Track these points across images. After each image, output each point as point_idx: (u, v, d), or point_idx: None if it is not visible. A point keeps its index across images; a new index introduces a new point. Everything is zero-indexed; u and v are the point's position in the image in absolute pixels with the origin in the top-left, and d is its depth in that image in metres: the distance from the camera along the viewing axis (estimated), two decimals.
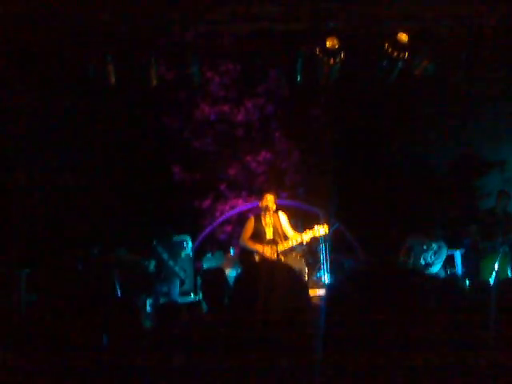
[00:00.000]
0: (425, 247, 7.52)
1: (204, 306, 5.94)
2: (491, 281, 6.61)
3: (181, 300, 7.89)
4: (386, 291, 1.67)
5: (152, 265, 7.62)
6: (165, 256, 7.53)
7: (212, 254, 8.78)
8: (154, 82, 8.26)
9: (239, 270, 7.66)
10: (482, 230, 7.32)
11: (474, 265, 7.38)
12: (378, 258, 8.27)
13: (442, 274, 7.59)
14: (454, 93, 8.56)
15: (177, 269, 7.60)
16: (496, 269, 6.78)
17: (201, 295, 6.83)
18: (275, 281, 2.07)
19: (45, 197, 8.88)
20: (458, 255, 8.11)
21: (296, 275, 2.18)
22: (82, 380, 2.11)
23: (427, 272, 7.34)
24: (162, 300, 7.42)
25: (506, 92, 8.72)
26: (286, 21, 6.85)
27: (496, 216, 7.38)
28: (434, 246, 7.54)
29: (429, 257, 7.53)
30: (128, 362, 2.28)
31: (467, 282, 6.45)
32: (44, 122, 8.86)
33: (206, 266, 8.42)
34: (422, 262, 7.48)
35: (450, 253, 7.94)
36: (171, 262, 7.56)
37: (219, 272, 4.62)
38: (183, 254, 7.97)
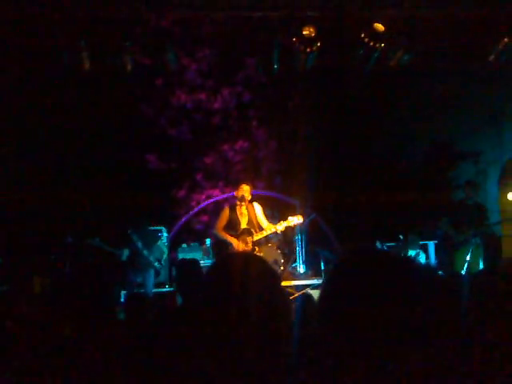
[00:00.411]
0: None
1: (178, 298, 5.92)
2: (463, 272, 6.66)
3: (156, 291, 7.87)
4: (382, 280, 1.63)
5: (125, 254, 7.54)
6: (139, 245, 7.46)
7: (187, 245, 8.75)
8: (129, 68, 8.19)
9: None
10: (453, 221, 7.31)
11: (447, 256, 7.40)
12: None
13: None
14: (430, 83, 8.59)
15: (151, 258, 7.54)
16: (468, 260, 6.83)
17: (175, 286, 6.80)
18: (248, 273, 2.02)
19: (17, 186, 8.75)
20: (431, 246, 8.19)
21: (269, 268, 2.15)
22: (53, 371, 2.07)
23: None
24: (136, 291, 7.37)
25: (482, 83, 8.79)
26: (263, 8, 6.81)
27: (467, 207, 7.37)
28: (412, 252, 7.61)
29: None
30: (101, 353, 2.24)
31: (440, 273, 6.51)
32: (17, 107, 8.72)
33: (181, 256, 8.38)
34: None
35: (423, 243, 8.03)
36: (145, 252, 7.49)
37: (194, 263, 4.57)
38: (158, 244, 7.92)
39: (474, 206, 7.36)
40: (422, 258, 7.74)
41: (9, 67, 8.05)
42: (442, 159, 9.84)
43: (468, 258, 6.88)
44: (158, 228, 8.41)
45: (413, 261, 6.27)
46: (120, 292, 7.52)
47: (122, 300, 7.43)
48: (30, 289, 7.34)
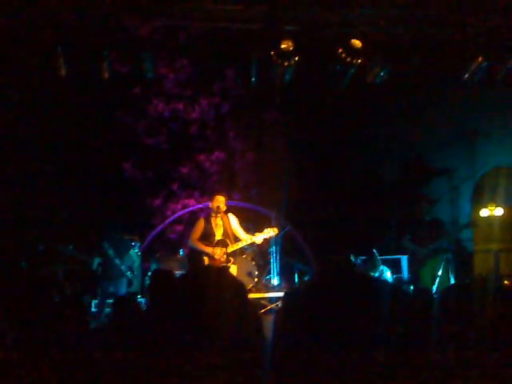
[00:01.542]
0: (377, 273, 7.63)
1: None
2: (434, 287, 6.73)
3: None
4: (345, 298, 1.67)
5: (96, 262, 7.45)
6: (111, 253, 7.35)
7: (161, 255, 8.70)
8: (106, 76, 8.14)
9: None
10: (414, 238, 7.43)
11: (414, 272, 7.49)
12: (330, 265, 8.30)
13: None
14: (405, 99, 8.71)
15: (123, 268, 7.45)
16: (439, 275, 6.90)
17: (148, 297, 6.74)
18: (216, 285, 2.05)
19: None
20: (404, 260, 8.25)
21: (239, 284, 2.17)
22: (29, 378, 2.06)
23: None
24: (108, 301, 7.26)
25: (456, 101, 8.92)
26: (241, 21, 6.83)
27: (425, 223, 7.48)
28: (384, 268, 7.67)
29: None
30: (74, 360, 2.23)
31: (411, 287, 6.57)
32: None
33: (154, 267, 8.33)
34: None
35: (395, 257, 8.08)
36: (117, 260, 7.39)
37: (168, 274, 4.54)
38: (131, 254, 7.84)
39: (432, 222, 7.48)
40: (386, 275, 7.78)
41: None
42: (415, 175, 9.95)
43: (439, 273, 6.96)
44: (131, 237, 8.35)
45: (373, 279, 6.34)
46: (91, 301, 7.45)
47: (93, 309, 7.37)
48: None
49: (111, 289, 7.46)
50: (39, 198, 8.75)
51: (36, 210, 8.69)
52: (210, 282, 2.14)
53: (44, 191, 8.84)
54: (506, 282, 7.12)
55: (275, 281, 8.39)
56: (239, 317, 2.09)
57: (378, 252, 7.92)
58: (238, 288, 2.06)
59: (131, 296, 7.19)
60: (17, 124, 8.71)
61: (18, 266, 7.79)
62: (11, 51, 7.21)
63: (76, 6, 7.15)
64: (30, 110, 8.70)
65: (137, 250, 8.26)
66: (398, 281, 7.87)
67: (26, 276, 7.67)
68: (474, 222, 8.21)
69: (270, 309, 7.14)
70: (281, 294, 7.75)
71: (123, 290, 7.52)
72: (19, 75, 8.02)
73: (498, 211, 8.80)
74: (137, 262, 7.82)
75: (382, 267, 7.84)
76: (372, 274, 7.62)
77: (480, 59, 6.55)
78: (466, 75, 6.74)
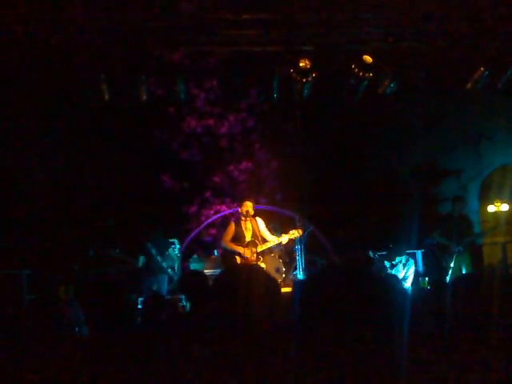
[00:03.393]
0: (393, 262, 7.50)
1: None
2: (447, 278, 6.64)
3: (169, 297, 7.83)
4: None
5: (141, 261, 7.52)
6: (153, 251, 7.43)
7: (198, 256, 8.74)
8: (144, 98, 8.25)
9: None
10: (442, 232, 7.32)
11: (434, 264, 7.38)
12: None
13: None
14: (416, 108, 8.64)
15: (164, 265, 7.51)
16: (452, 267, 6.81)
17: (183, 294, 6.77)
18: (252, 282, 2.06)
19: (46, 205, 8.81)
20: (418, 254, 8.14)
21: (270, 278, 2.18)
22: (79, 371, 2.06)
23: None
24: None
25: (462, 108, 8.83)
26: (263, 44, 6.87)
27: (454, 219, 7.38)
28: (403, 258, 7.54)
29: (400, 272, 7.48)
30: (122, 355, 2.23)
31: (426, 279, 6.49)
32: (47, 136, 8.81)
33: (192, 266, 8.37)
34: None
35: (411, 252, 7.97)
36: (159, 258, 7.46)
37: (199, 274, 4.56)
38: (171, 254, 7.90)
39: (461, 218, 7.39)
40: (411, 264, 7.65)
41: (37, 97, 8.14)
42: (427, 177, 9.85)
43: (452, 264, 6.88)
44: (172, 240, 8.41)
45: (372, 275, 6.17)
46: (137, 299, 7.50)
47: (139, 306, 7.42)
48: (56, 297, 7.34)
49: (154, 286, 7.51)
50: (91, 208, 8.89)
51: (87, 220, 8.82)
52: (245, 278, 2.14)
53: (95, 202, 8.98)
54: None
55: (301, 276, 8.36)
56: (273, 307, 2.08)
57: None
58: (270, 281, 2.06)
59: (169, 294, 7.25)
60: (75, 143, 8.90)
61: (72, 270, 7.93)
62: (64, 79, 7.37)
63: (117, 38, 7.28)
64: (82, 131, 8.87)
65: (176, 252, 8.31)
66: (415, 273, 7.73)
67: (80, 278, 7.81)
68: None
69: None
70: None
71: (165, 286, 7.56)
72: (71, 100, 8.17)
73: (504, 207, 8.65)
74: (177, 262, 7.87)
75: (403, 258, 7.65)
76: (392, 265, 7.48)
77: (481, 69, 6.48)
78: (469, 84, 6.68)
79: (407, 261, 7.51)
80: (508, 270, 7.54)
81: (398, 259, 7.49)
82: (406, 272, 7.46)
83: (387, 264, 7.56)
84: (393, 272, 7.37)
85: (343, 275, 1.76)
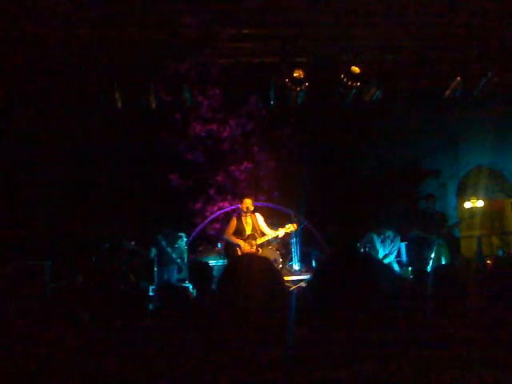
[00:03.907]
0: (382, 237, 7.51)
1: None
2: (428, 268, 6.69)
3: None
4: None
5: (153, 252, 7.57)
6: (163, 243, 7.49)
7: (203, 248, 8.78)
8: (154, 105, 8.27)
9: (225, 261, 7.68)
10: (421, 227, 7.36)
11: (417, 255, 7.41)
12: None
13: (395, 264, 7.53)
14: (399, 113, 8.67)
15: (174, 255, 7.57)
16: (432, 258, 6.86)
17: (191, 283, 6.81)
18: (254, 269, 2.10)
19: (66, 202, 8.84)
20: (402, 247, 8.18)
21: (271, 264, 2.23)
22: (98, 355, 2.08)
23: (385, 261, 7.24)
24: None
25: (441, 114, 8.86)
26: (261, 56, 6.90)
27: (430, 215, 7.42)
28: (390, 233, 7.51)
29: (386, 246, 7.48)
30: (135, 340, 2.26)
31: (409, 268, 6.53)
32: (65, 138, 8.83)
33: (198, 258, 8.41)
34: (381, 253, 7.46)
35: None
36: (169, 249, 7.52)
37: (204, 265, 4.61)
38: (180, 246, 7.95)
39: (436, 214, 7.44)
40: (398, 240, 7.58)
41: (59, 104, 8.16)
42: (410, 176, 9.89)
43: (432, 255, 6.93)
44: (180, 234, 8.45)
45: (374, 258, 6.17)
46: (149, 287, 7.55)
47: (151, 293, 7.46)
48: (73, 286, 7.37)
49: (165, 275, 7.57)
50: (106, 206, 8.92)
51: (102, 216, 8.85)
52: (248, 263, 2.18)
53: (109, 201, 9.00)
54: (488, 261, 7.04)
55: (296, 266, 8.40)
56: (275, 284, 2.12)
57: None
58: (268, 263, 2.10)
59: (178, 283, 7.30)
60: (88, 146, 8.93)
61: (89, 260, 7.95)
62: (79, 89, 7.39)
63: (128, 49, 7.31)
64: (96, 135, 8.90)
65: (184, 244, 8.36)
66: (399, 263, 7.76)
67: (98, 270, 7.84)
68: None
69: (293, 290, 7.14)
70: (301, 277, 7.77)
71: (174, 276, 7.62)
72: (89, 108, 8.19)
73: (479, 203, 8.70)
74: (185, 253, 7.92)
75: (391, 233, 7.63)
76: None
77: (458, 79, 6.53)
78: (447, 92, 6.72)
79: (394, 237, 7.50)
80: (483, 260, 7.59)
81: (387, 233, 7.47)
82: (392, 247, 7.49)
83: (376, 239, 7.55)
84: (380, 250, 7.37)
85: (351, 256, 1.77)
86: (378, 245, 7.46)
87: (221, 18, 6.33)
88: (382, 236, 7.48)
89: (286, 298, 2.12)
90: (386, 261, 7.26)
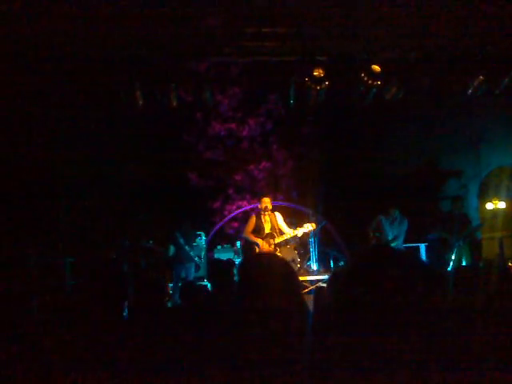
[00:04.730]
0: (390, 219, 7.39)
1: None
2: (449, 269, 6.58)
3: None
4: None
5: (171, 250, 7.58)
6: (181, 241, 7.49)
7: (222, 246, 8.79)
8: (174, 104, 8.29)
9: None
10: (444, 228, 7.26)
11: (438, 256, 7.31)
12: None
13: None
14: (420, 113, 8.54)
15: (192, 253, 7.56)
16: (453, 259, 6.75)
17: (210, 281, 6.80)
18: (271, 269, 2.05)
19: (87, 200, 8.92)
20: (422, 248, 8.06)
21: (288, 265, 2.18)
22: (111, 350, 2.08)
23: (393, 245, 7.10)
24: (180, 284, 7.36)
25: (463, 113, 8.70)
26: (281, 55, 6.85)
27: (454, 217, 7.31)
28: (397, 215, 7.39)
29: (395, 229, 7.37)
30: (154, 336, 2.25)
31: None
32: (88, 136, 8.90)
33: (216, 256, 8.41)
34: (390, 236, 7.36)
35: (415, 245, 7.89)
36: (187, 247, 7.52)
37: (228, 263, 4.53)
38: (198, 244, 7.96)
39: (460, 216, 7.33)
40: (405, 223, 7.47)
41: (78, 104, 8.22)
42: (430, 176, 9.75)
43: (453, 257, 6.81)
44: (198, 232, 8.47)
45: (415, 256, 6.03)
46: (167, 285, 7.56)
47: (170, 292, 7.48)
48: (94, 283, 7.42)
49: (183, 274, 7.57)
50: (126, 206, 8.97)
51: (122, 215, 8.90)
52: (265, 264, 2.14)
53: (129, 200, 9.05)
54: (510, 263, 6.88)
55: (314, 266, 8.35)
56: (291, 290, 2.07)
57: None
58: (286, 265, 2.05)
59: (195, 281, 7.29)
60: (110, 145, 8.98)
61: (110, 258, 8.02)
62: (101, 87, 7.44)
63: (150, 50, 7.34)
64: (118, 134, 8.96)
65: (203, 242, 8.37)
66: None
67: (116, 265, 7.89)
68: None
69: (310, 290, 7.09)
70: (319, 277, 7.71)
71: (192, 274, 7.62)
72: (109, 107, 8.24)
73: (501, 204, 8.53)
74: (203, 251, 7.93)
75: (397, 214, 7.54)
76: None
77: (481, 77, 6.39)
78: (470, 90, 6.58)
79: (402, 218, 7.39)
80: (505, 262, 7.42)
81: (395, 214, 7.35)
82: (401, 229, 7.37)
83: (385, 221, 7.43)
84: (389, 234, 7.26)
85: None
86: (388, 228, 7.37)
87: (241, 17, 6.31)
88: (390, 218, 7.37)
89: (302, 308, 2.05)
90: (393, 244, 7.16)
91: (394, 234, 7.33)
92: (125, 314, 3.09)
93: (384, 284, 1.61)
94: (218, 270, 4.29)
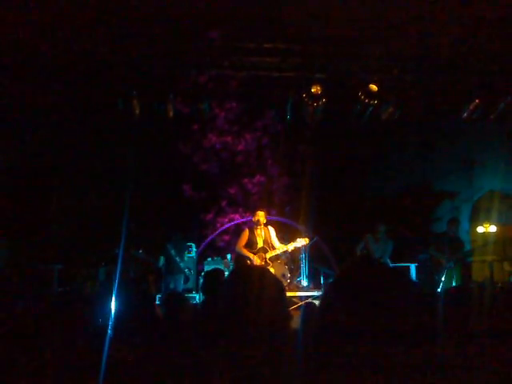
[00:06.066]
0: (375, 238, 7.48)
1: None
2: (439, 289, 6.56)
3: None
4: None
5: (161, 261, 7.53)
6: (172, 252, 7.45)
7: (212, 259, 8.71)
8: (171, 115, 8.30)
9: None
10: (436, 248, 7.28)
11: (429, 276, 7.32)
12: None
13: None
14: (414, 135, 8.59)
15: (182, 265, 7.51)
16: (443, 280, 6.74)
17: (201, 293, 6.74)
18: (259, 283, 2.02)
19: (76, 208, 8.85)
20: (412, 268, 8.05)
21: (277, 281, 2.15)
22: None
23: None
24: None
25: (457, 136, 8.76)
26: (279, 70, 6.90)
27: (448, 238, 7.33)
28: (382, 234, 7.48)
29: (379, 249, 7.44)
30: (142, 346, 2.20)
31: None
32: (79, 144, 8.86)
33: (206, 268, 8.33)
34: (376, 255, 7.36)
35: (405, 265, 7.88)
36: (178, 258, 7.47)
37: (219, 272, 4.49)
38: (188, 256, 7.89)
39: (454, 238, 7.35)
40: (390, 246, 7.62)
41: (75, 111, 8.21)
42: (424, 197, 9.78)
43: (443, 278, 6.80)
44: (189, 244, 8.40)
45: (401, 273, 6.05)
46: (156, 296, 7.47)
47: (157, 302, 7.38)
48: (84, 290, 7.35)
49: (171, 284, 7.49)
50: (116, 213, 8.89)
51: (112, 223, 8.82)
52: (255, 277, 2.10)
53: (119, 208, 8.96)
54: (500, 286, 6.89)
55: (304, 282, 8.30)
56: (277, 307, 2.03)
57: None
58: (277, 282, 2.02)
59: (180, 292, 7.22)
60: (103, 153, 8.94)
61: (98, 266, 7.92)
62: (99, 96, 7.44)
63: (149, 60, 7.37)
64: (111, 142, 8.92)
65: (193, 254, 8.30)
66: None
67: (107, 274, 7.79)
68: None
69: (299, 305, 7.03)
70: (309, 294, 7.65)
71: (181, 285, 7.54)
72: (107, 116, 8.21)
73: (492, 228, 8.55)
74: (193, 264, 7.86)
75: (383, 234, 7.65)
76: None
77: (476, 101, 6.45)
78: (465, 114, 6.64)
79: (386, 236, 7.45)
80: (494, 285, 7.41)
81: (379, 233, 7.43)
82: (385, 247, 7.46)
83: (371, 240, 7.49)
84: (374, 253, 7.33)
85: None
86: (374, 247, 7.43)
87: (242, 32, 6.36)
88: (376, 236, 7.51)
89: (286, 324, 2.01)
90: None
91: (379, 253, 7.38)
92: (110, 323, 3.03)
93: (370, 296, 1.58)
94: (212, 277, 4.25)
